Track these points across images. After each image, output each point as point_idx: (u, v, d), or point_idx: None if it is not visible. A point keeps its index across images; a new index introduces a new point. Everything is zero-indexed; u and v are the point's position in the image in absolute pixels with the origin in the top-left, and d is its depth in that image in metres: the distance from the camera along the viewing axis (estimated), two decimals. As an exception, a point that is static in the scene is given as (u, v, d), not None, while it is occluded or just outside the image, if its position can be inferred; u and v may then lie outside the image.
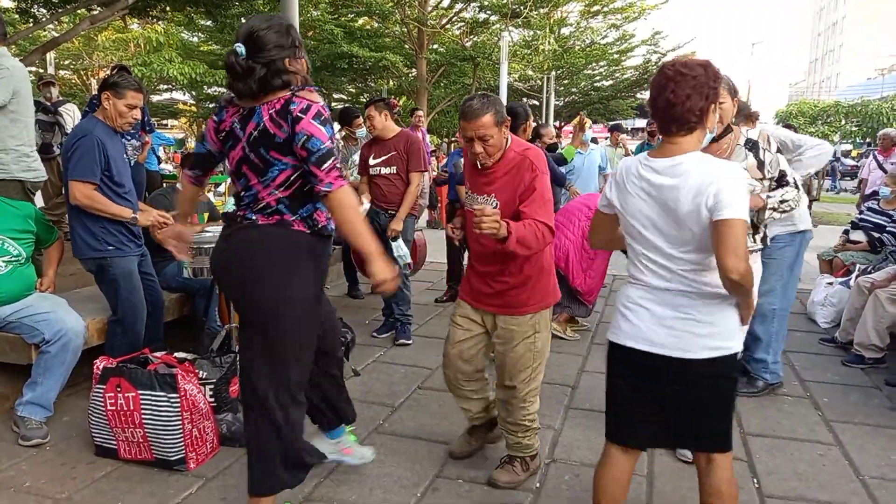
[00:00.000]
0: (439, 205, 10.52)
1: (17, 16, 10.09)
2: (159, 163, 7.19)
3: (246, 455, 2.32)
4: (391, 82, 21.43)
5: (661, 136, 2.00)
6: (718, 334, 1.92)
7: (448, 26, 19.49)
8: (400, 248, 4.49)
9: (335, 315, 2.74)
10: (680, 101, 1.86)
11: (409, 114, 10.58)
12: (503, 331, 2.65)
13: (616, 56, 25.18)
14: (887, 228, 5.59)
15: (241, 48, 2.05)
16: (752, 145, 2.78)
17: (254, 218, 2.16)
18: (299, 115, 2.03)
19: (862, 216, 6.05)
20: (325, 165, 2.04)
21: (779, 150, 2.89)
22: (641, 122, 24.91)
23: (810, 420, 3.46)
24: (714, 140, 2.79)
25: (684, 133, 1.92)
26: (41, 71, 15.28)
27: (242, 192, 2.22)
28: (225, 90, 2.26)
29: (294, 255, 2.16)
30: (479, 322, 2.73)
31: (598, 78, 27.71)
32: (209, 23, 15.23)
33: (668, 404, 2.00)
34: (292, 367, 2.22)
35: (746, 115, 4.05)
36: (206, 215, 4.32)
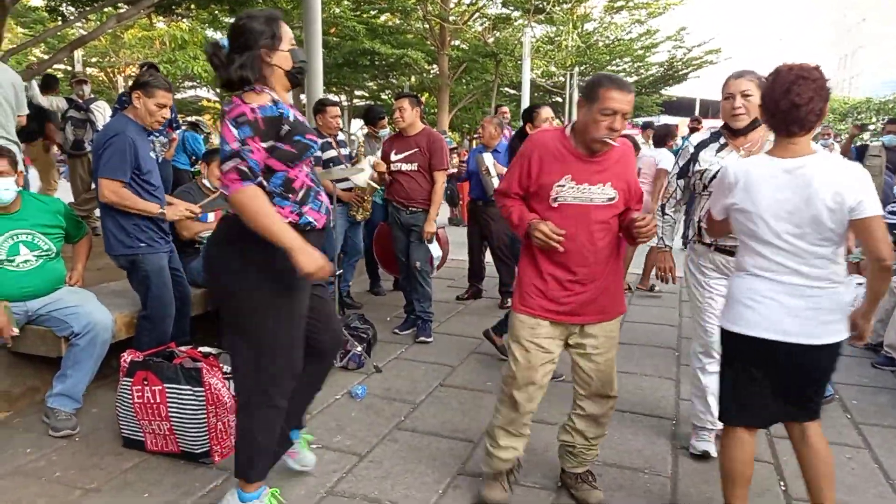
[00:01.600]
0: (461, 202, 10.51)
1: (46, 14, 10.26)
2: (192, 164, 7.26)
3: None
4: (413, 79, 21.46)
5: (775, 137, 2.15)
6: (840, 320, 2.12)
7: (470, 22, 19.43)
8: (435, 249, 4.55)
9: (334, 316, 2.63)
10: (804, 102, 1.99)
11: (495, 110, 10.52)
12: (603, 339, 2.46)
13: (640, 52, 24.93)
14: None
15: (224, 41, 2.11)
16: None
17: (229, 212, 2.21)
18: (225, 119, 2.05)
19: (885, 217, 5.90)
20: (225, 167, 2.02)
21: None
22: (667, 119, 24.67)
23: (839, 422, 3.40)
24: (742, 134, 2.77)
25: (804, 133, 2.05)
26: (70, 69, 15.55)
27: None
28: None
29: (247, 245, 2.10)
30: (560, 340, 2.48)
31: (622, 74, 27.45)
32: (233, 20, 15.36)
33: (788, 384, 2.17)
34: (264, 358, 2.21)
35: None
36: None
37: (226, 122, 2.04)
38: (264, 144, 2.07)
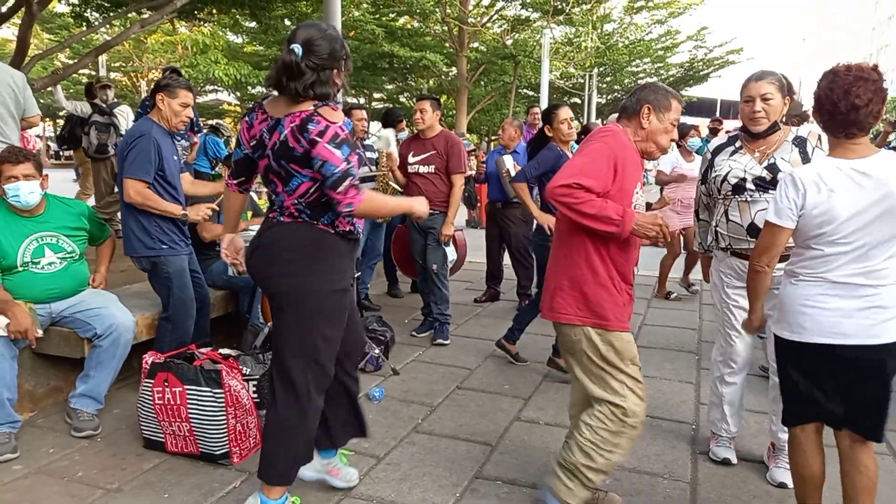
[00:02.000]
0: (479, 204, 10.50)
1: (71, 20, 10.44)
2: (212, 167, 7.34)
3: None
4: (431, 81, 21.49)
5: (830, 138, 2.11)
6: None
7: (489, 24, 19.43)
8: (451, 252, 4.57)
9: (360, 323, 2.75)
10: (864, 103, 1.97)
11: (526, 111, 10.48)
12: None
13: (661, 53, 24.76)
14: None
15: (298, 48, 2.11)
16: (799, 142, 2.73)
17: (281, 219, 2.29)
18: (315, 138, 2.11)
19: None
20: (341, 188, 2.13)
21: None
22: (687, 120, 24.42)
23: (863, 428, 3.33)
24: (760, 137, 2.73)
25: (864, 134, 2.03)
26: (94, 73, 15.79)
27: (273, 197, 2.33)
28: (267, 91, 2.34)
29: (316, 249, 2.26)
30: None
31: (641, 75, 27.30)
32: (253, 24, 15.51)
33: (850, 388, 2.12)
34: (320, 352, 2.30)
35: (798, 116, 3.94)
36: (249, 213, 4.40)
37: (323, 145, 2.10)
38: (355, 156, 2.20)
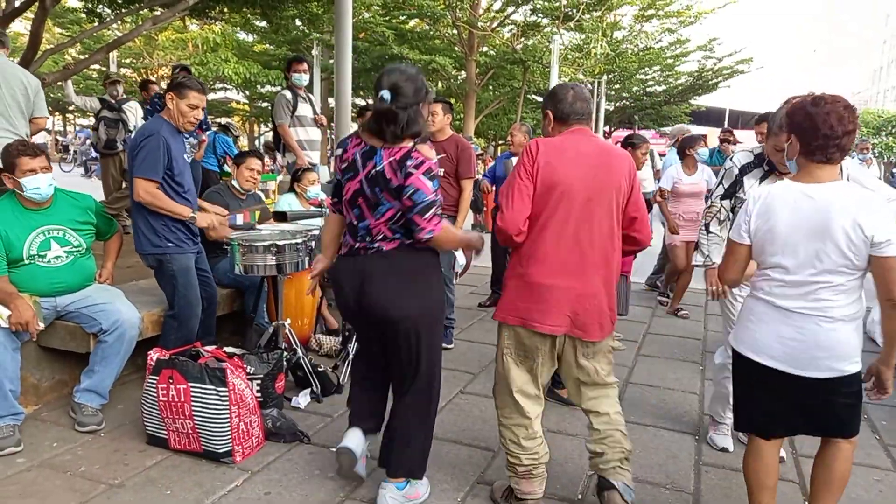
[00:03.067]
0: (485, 208, 10.49)
1: (83, 15, 10.49)
2: (220, 165, 7.35)
3: (293, 449, 2.35)
4: (440, 84, 21.51)
5: (803, 163, 2.15)
6: (838, 359, 2.12)
7: (498, 29, 19.44)
8: (461, 257, 4.55)
9: None
10: (851, 130, 2.07)
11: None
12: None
13: (670, 61, 24.72)
14: None
15: (387, 94, 2.28)
16: None
17: (377, 246, 2.41)
18: (412, 170, 2.29)
19: None
20: (427, 215, 2.32)
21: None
22: (695, 129, 24.38)
23: (867, 444, 3.32)
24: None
25: (840, 160, 2.11)
26: (105, 69, 15.87)
27: (357, 223, 2.44)
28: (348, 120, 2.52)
29: (428, 269, 2.48)
30: None
31: (650, 83, 27.26)
32: (264, 24, 15.55)
33: (806, 408, 2.19)
34: (438, 365, 2.58)
35: None
36: (257, 213, 4.41)
37: (418, 176, 2.30)
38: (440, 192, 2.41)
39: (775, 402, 2.21)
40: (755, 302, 2.25)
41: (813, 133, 2.09)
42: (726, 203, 3.02)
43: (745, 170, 2.93)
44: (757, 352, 2.20)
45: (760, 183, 2.86)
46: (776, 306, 2.16)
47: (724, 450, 3.14)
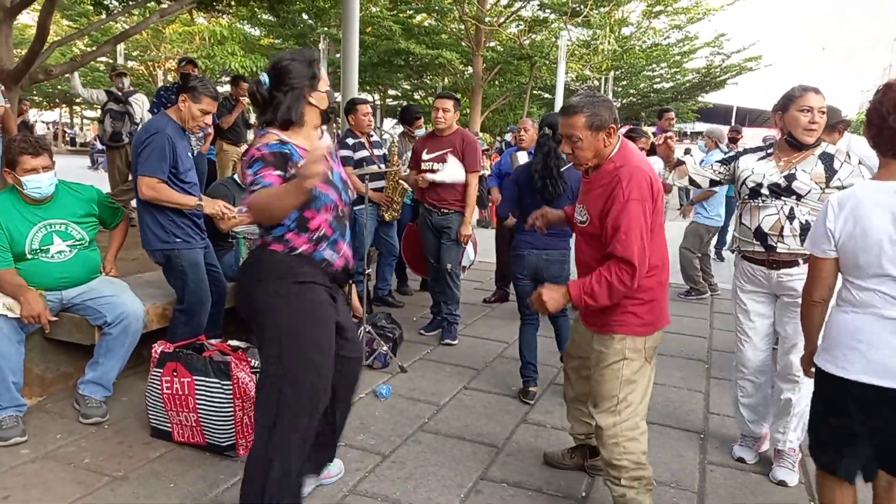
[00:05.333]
0: (490, 203, 10.46)
1: (90, 7, 10.50)
2: None
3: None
4: (447, 79, 21.47)
5: (879, 158, 1.93)
6: None
7: (506, 24, 19.37)
8: (471, 251, 4.52)
9: (359, 359, 2.62)
10: None
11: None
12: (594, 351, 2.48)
13: (678, 58, 24.58)
14: None
15: (265, 77, 2.17)
16: (825, 157, 2.72)
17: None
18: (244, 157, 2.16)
19: None
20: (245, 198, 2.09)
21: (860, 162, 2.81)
22: (702, 126, 24.29)
23: None
24: (803, 148, 2.74)
25: None
26: (112, 62, 15.89)
27: None
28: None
29: (269, 275, 2.18)
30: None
31: (658, 80, 27.14)
32: (271, 17, 15.55)
33: (889, 432, 1.90)
34: (290, 391, 2.16)
35: (842, 122, 3.88)
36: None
37: (242, 167, 2.17)
38: (276, 172, 2.08)
39: (864, 432, 1.93)
40: (856, 316, 1.92)
41: (868, 121, 1.89)
42: (718, 166, 3.05)
43: (745, 151, 2.98)
44: (868, 372, 1.86)
45: (757, 161, 2.86)
46: (885, 317, 1.86)
47: (741, 460, 3.04)
